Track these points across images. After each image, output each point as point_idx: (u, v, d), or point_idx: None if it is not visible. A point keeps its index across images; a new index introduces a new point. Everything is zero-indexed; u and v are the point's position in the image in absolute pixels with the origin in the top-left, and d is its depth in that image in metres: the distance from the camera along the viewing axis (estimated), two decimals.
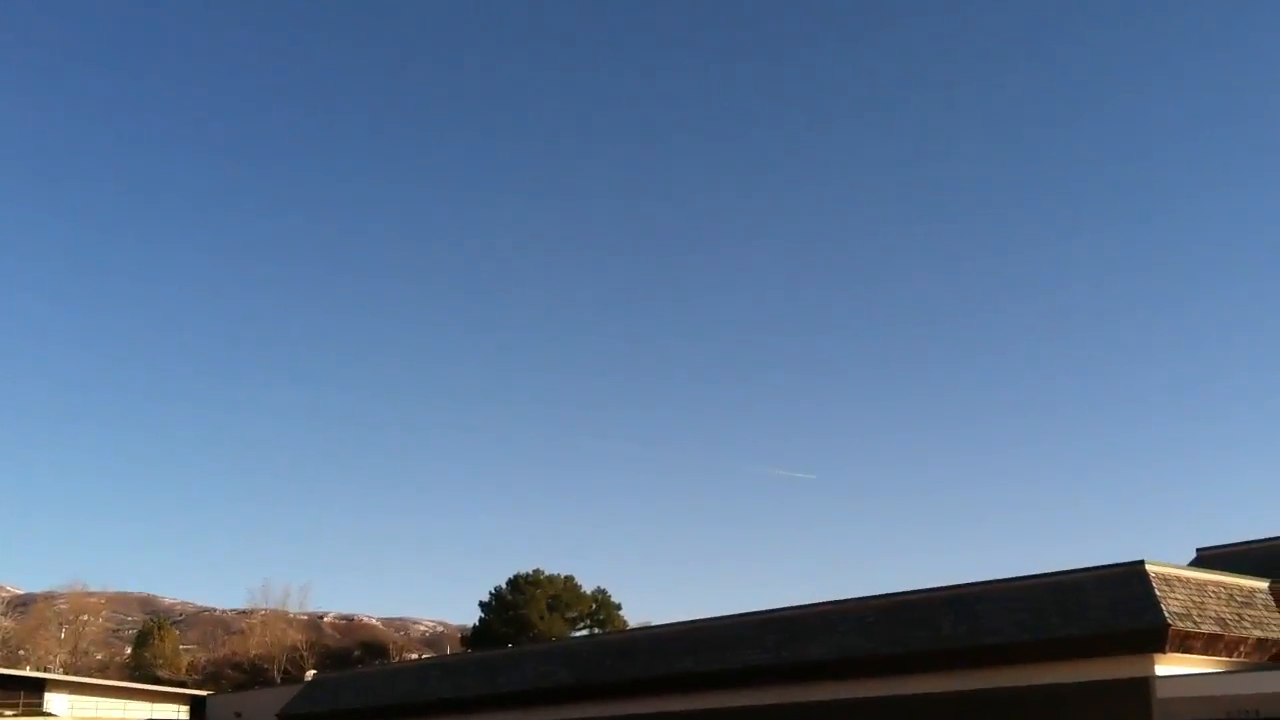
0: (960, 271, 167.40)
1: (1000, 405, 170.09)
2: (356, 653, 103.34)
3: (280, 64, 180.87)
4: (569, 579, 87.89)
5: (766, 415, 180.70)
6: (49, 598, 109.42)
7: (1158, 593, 25.37)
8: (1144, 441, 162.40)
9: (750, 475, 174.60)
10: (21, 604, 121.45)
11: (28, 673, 73.40)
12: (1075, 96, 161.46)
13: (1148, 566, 26.09)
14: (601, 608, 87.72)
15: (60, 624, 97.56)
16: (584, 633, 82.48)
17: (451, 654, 73.47)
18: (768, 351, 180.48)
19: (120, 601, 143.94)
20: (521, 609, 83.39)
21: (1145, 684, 25.12)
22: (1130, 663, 25.47)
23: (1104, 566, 27.16)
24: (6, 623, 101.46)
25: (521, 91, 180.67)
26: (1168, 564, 27.11)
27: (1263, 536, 35.44)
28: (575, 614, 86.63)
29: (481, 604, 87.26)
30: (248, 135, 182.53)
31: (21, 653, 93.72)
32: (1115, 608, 25.93)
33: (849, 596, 33.49)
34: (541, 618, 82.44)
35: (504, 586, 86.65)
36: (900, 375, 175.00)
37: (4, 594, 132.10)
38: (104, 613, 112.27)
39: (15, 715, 56.12)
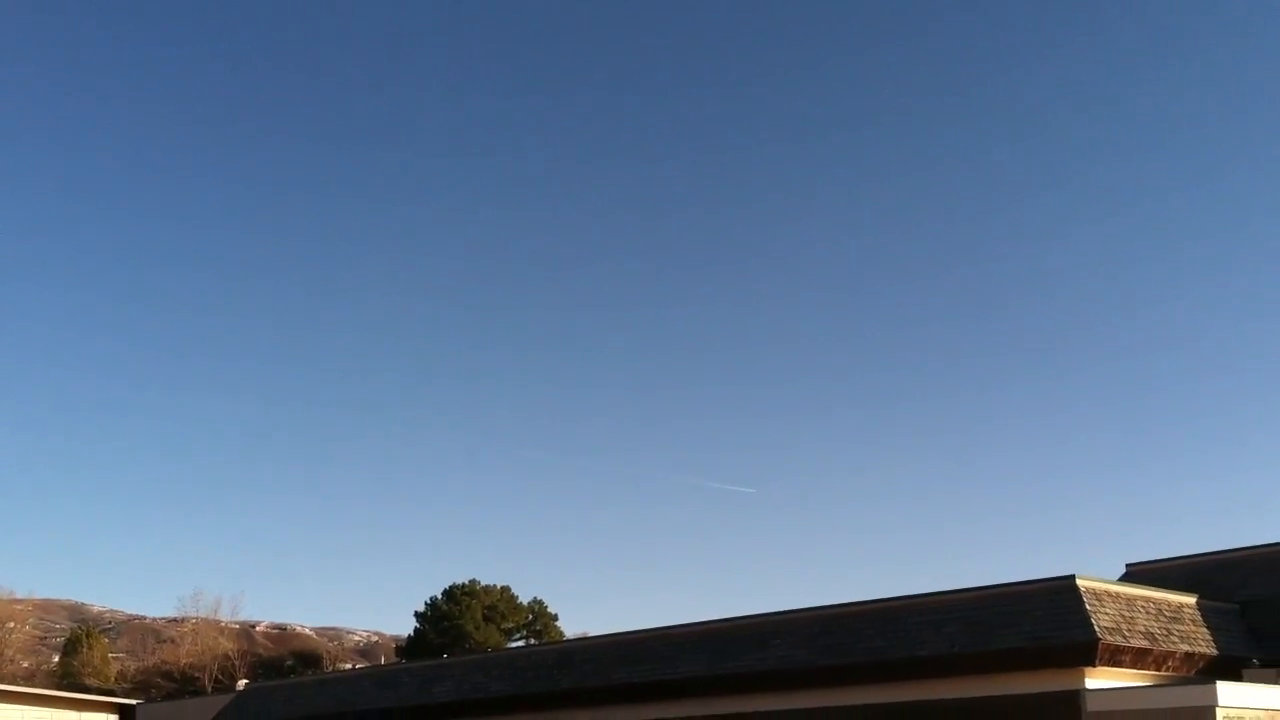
0: (910, 281, 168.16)
1: (933, 420, 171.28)
2: (289, 662, 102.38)
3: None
4: (505, 589, 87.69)
5: (706, 428, 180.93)
6: None
7: (1088, 607, 25.78)
8: (1075, 457, 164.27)
9: (689, 488, 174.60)
10: None
11: None
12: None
13: (1078, 581, 26.51)
14: (538, 618, 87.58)
15: None
16: (520, 643, 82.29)
17: (385, 664, 73.11)
18: (709, 362, 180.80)
19: (47, 608, 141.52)
20: (457, 619, 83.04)
21: (1076, 697, 25.51)
22: (1061, 676, 25.85)
23: (1035, 581, 27.56)
24: None
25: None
26: (1098, 579, 27.59)
27: (1191, 552, 36.12)
28: (511, 624, 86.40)
29: (416, 614, 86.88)
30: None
31: None
32: (1046, 621, 26.32)
33: (786, 609, 33.75)
34: (477, 628, 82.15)
35: (439, 596, 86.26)
36: (840, 389, 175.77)
37: None
38: (30, 620, 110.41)
39: None
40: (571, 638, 68.50)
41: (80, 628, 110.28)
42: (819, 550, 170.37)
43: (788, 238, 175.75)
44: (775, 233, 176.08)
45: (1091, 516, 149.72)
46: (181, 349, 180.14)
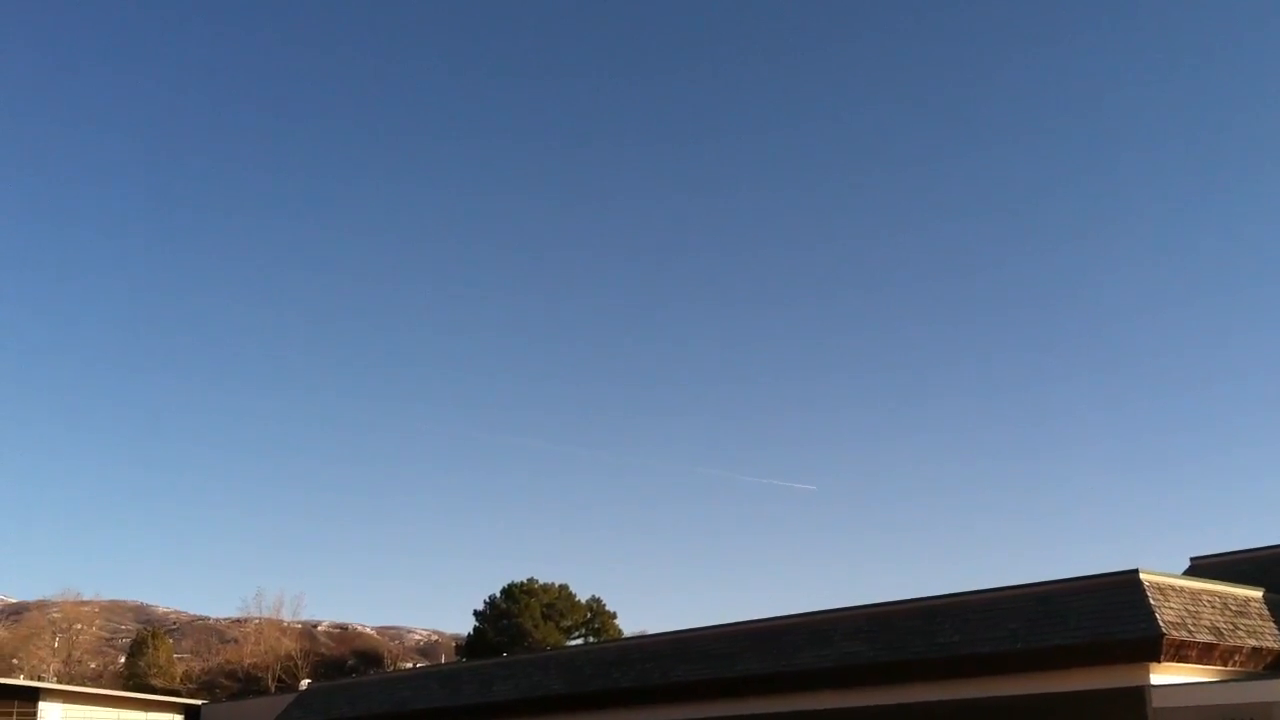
0: (961, 276, 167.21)
1: (994, 415, 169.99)
2: (351, 662, 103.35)
3: (274, 66, 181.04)
4: (563, 588, 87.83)
5: (768, 425, 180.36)
6: (42, 606, 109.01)
7: (1152, 602, 25.45)
8: (1137, 450, 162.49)
9: (749, 486, 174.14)
10: (15, 613, 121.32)
11: (21, 681, 73.25)
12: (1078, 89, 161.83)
13: (1142, 575, 26.17)
14: (596, 616, 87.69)
15: (54, 633, 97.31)
16: (578, 642, 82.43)
17: (446, 662, 73.47)
18: (769, 359, 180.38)
19: (114, 610, 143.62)
20: (516, 618, 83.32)
21: (1141, 693, 25.19)
22: (1125, 672, 25.54)
23: (1098, 575, 27.24)
24: (0, 631, 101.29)
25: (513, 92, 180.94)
26: (1162, 573, 27.20)
27: (1257, 545, 35.54)
28: (570, 623, 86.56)
29: (476, 613, 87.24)
30: (228, 132, 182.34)
31: (15, 661, 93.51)
32: (1109, 617, 26.01)
33: (845, 605, 33.57)
34: (536, 626, 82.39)
35: (498, 595, 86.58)
36: (899, 383, 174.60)
37: None
38: (98, 621, 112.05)
39: None
40: (630, 636, 68.53)
41: (146, 629, 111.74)
42: (879, 546, 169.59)
43: (849, 231, 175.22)
44: (834, 227, 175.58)
45: (1154, 510, 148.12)
46: (236, 351, 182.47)
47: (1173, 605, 25.88)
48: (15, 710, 62.54)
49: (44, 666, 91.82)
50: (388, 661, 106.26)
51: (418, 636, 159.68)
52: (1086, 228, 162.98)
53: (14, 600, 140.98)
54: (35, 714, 63.01)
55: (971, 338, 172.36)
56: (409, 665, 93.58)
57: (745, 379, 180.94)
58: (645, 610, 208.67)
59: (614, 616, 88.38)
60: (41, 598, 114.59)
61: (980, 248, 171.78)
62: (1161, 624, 24.76)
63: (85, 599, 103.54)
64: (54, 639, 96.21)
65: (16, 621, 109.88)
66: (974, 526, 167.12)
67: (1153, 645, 24.73)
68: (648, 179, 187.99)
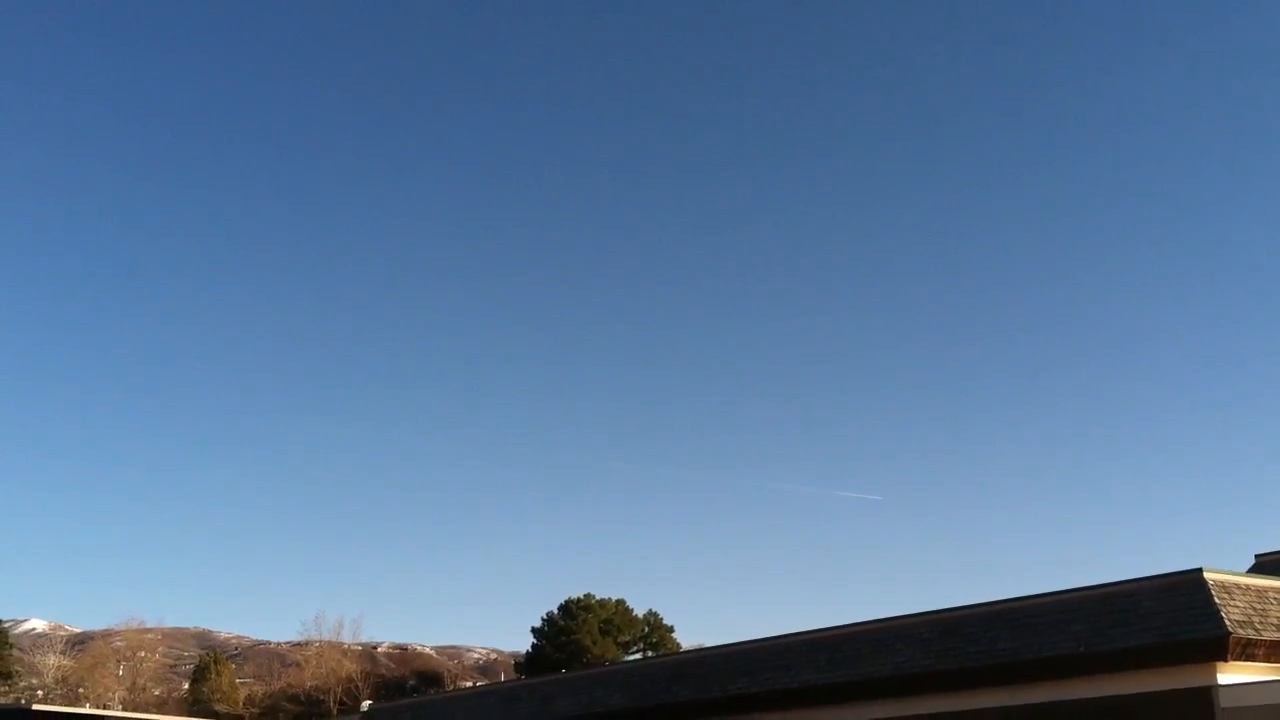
0: (1024, 286, 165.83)
1: (1054, 421, 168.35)
2: (411, 682, 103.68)
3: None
4: (620, 603, 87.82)
5: (831, 436, 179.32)
6: (106, 635, 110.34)
7: (1217, 601, 25.10)
8: (1197, 449, 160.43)
9: (812, 498, 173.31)
10: (80, 642, 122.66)
11: (88, 710, 74.18)
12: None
13: (1205, 574, 25.82)
14: (654, 630, 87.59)
15: (118, 661, 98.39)
16: (637, 656, 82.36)
17: (506, 680, 73.67)
18: (828, 370, 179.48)
19: (176, 637, 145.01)
20: (574, 634, 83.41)
21: (1208, 693, 24.84)
22: (1192, 672, 25.20)
23: (1161, 575, 26.90)
24: (66, 661, 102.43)
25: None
26: (1226, 571, 26.81)
27: None
28: (628, 638, 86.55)
29: (534, 630, 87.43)
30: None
31: (81, 690, 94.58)
32: (1174, 617, 25.68)
33: (905, 613, 33.32)
34: (594, 642, 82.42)
35: (555, 612, 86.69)
36: (964, 391, 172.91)
37: (62, 633, 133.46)
38: (161, 649, 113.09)
39: None
40: (689, 649, 68.35)
41: (208, 654, 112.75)
42: (946, 555, 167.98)
43: (909, 243, 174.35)
44: (894, 239, 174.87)
45: (1217, 508, 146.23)
46: (300, 378, 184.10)
47: (1238, 603, 25.52)
48: None
49: (110, 695, 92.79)
50: (447, 681, 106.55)
51: (477, 655, 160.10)
52: (1160, 231, 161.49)
53: (79, 630, 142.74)
54: None
55: (1031, 346, 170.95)
56: (469, 684, 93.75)
57: (806, 391, 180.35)
58: (704, 624, 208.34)
59: (671, 630, 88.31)
60: (106, 627, 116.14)
61: (1048, 255, 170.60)
62: (1227, 623, 24.41)
63: (148, 626, 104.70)
64: (119, 667, 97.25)
65: (82, 651, 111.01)
66: (1037, 532, 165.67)
67: (1219, 645, 24.39)
68: (712, 212, 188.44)
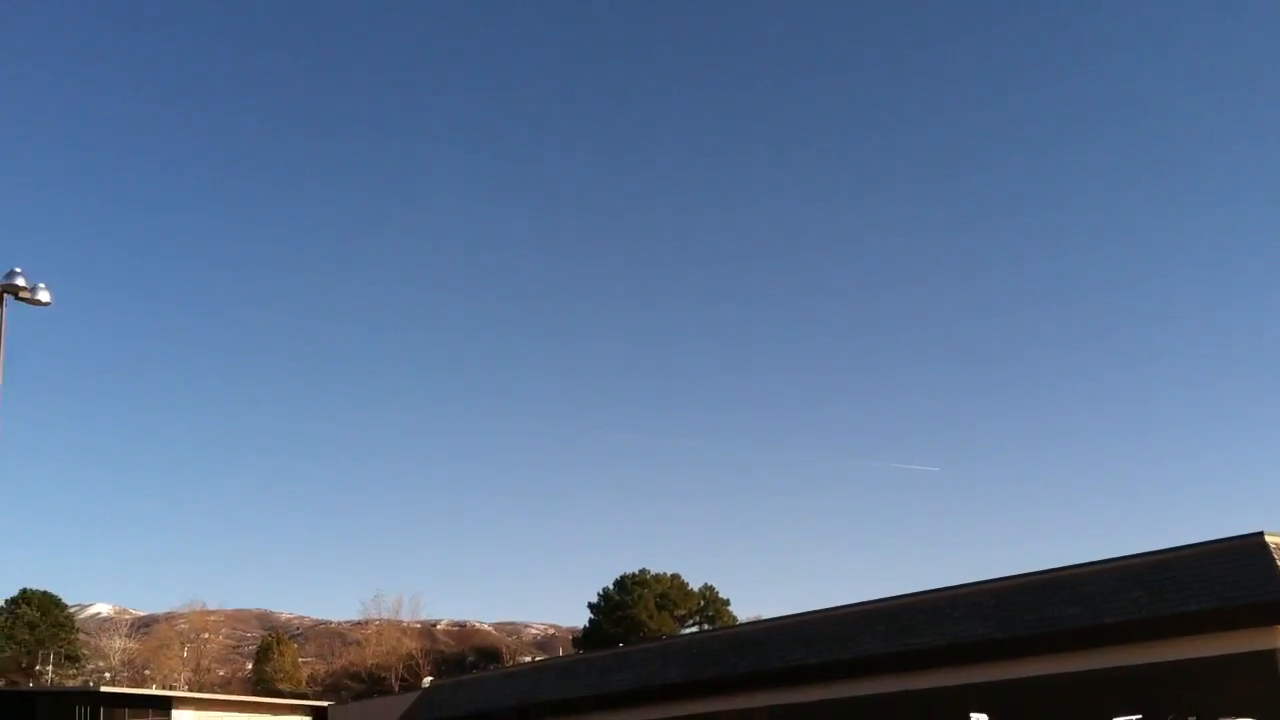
0: (1087, 251, 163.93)
1: (1110, 386, 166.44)
2: (470, 658, 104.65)
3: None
4: (675, 577, 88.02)
5: (887, 408, 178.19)
6: (170, 618, 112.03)
7: None
8: (1251, 412, 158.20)
9: (870, 471, 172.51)
10: (144, 625, 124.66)
11: (154, 691, 75.38)
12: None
13: (1267, 537, 25.55)
14: (710, 604, 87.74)
15: (182, 643, 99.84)
16: (693, 630, 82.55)
17: (564, 655, 74.07)
18: (885, 344, 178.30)
19: (239, 619, 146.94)
20: (630, 608, 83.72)
21: (1272, 656, 24.60)
22: (1254, 636, 24.95)
23: (1222, 540, 26.63)
24: (131, 644, 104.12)
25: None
26: None
27: None
28: (684, 611, 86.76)
29: (590, 605, 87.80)
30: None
31: (147, 672, 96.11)
32: (1236, 581, 25.42)
33: (962, 582, 33.17)
34: (650, 616, 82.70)
35: (611, 587, 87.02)
36: (1021, 360, 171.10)
37: (127, 616, 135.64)
38: (223, 630, 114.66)
39: None
40: (745, 622, 68.42)
41: (270, 635, 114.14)
42: (1003, 525, 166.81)
43: (970, 217, 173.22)
44: (957, 210, 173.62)
45: (1274, 471, 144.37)
46: (346, 358, 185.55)
47: None
48: (151, 719, 64.36)
49: (175, 676, 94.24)
50: (506, 656, 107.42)
51: (535, 631, 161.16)
52: (1221, 214, 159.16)
53: (143, 613, 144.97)
54: None
55: (1082, 317, 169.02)
56: (527, 659, 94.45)
57: (861, 365, 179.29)
58: (761, 597, 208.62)
59: (728, 604, 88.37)
60: (169, 610, 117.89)
61: (1101, 224, 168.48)
62: None
63: (211, 609, 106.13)
64: (183, 649, 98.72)
65: (146, 634, 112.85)
66: (1095, 500, 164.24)
67: None
68: (774, 185, 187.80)
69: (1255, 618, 24.79)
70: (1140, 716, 22.21)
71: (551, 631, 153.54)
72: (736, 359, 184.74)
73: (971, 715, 24.04)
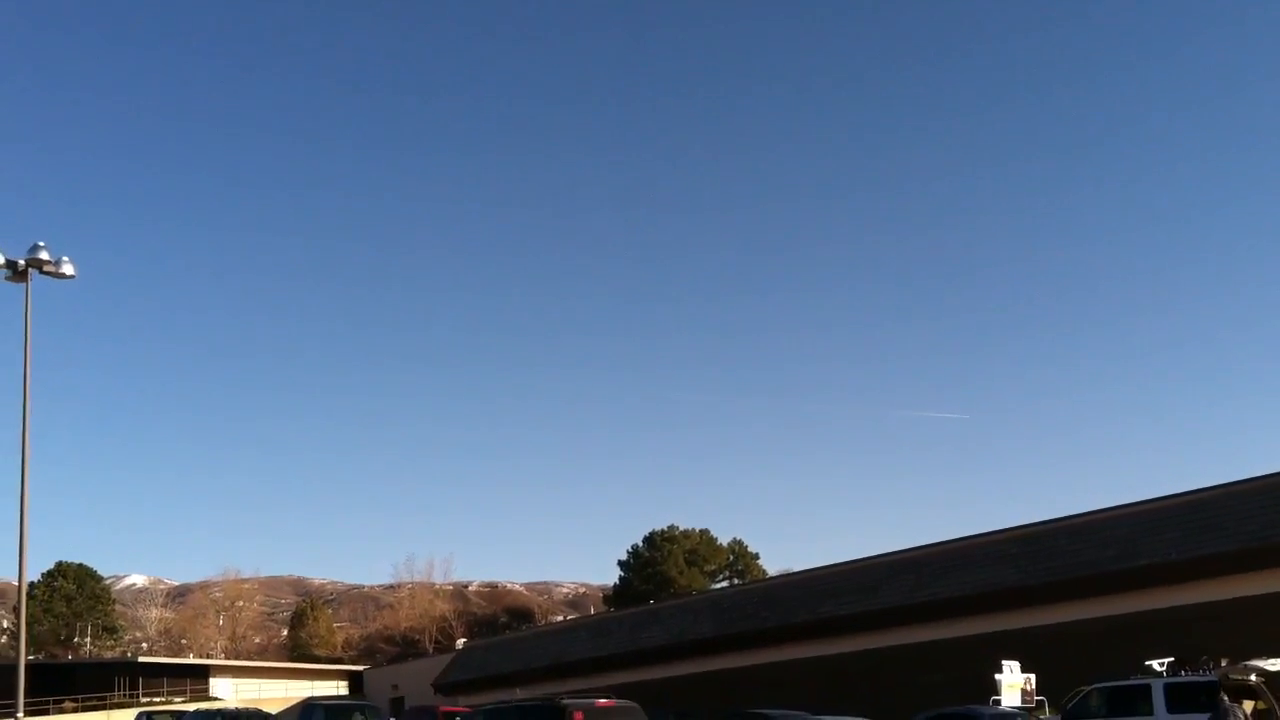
0: (1115, 196, 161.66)
1: (1135, 330, 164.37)
2: (503, 619, 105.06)
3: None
4: (704, 532, 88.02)
5: (914, 357, 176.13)
6: (205, 587, 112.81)
7: None
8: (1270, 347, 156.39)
9: (897, 420, 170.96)
10: (179, 595, 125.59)
11: (192, 660, 76.15)
12: None
13: None
14: (739, 559, 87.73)
15: (218, 611, 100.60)
16: (723, 584, 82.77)
17: (596, 614, 74.54)
18: (913, 293, 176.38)
19: (272, 586, 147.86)
20: (659, 565, 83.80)
21: None
22: None
23: (1247, 480, 26.53)
24: (167, 614, 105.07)
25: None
26: None
27: None
28: (713, 566, 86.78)
29: (620, 563, 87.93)
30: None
31: (184, 641, 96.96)
32: (1268, 520, 25.33)
33: (987, 530, 33.14)
34: (680, 573, 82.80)
35: (641, 544, 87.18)
36: (1046, 308, 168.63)
37: (163, 586, 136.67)
38: (258, 598, 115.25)
39: (185, 701, 58.28)
40: (774, 575, 68.58)
41: (304, 601, 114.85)
42: (1034, 472, 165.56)
43: (992, 157, 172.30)
44: (971, 153, 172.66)
45: None
46: (371, 321, 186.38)
47: None
48: (189, 687, 65.08)
49: (211, 644, 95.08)
50: (538, 616, 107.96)
51: (566, 590, 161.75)
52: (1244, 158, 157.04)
53: (178, 583, 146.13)
54: (207, 689, 65.50)
55: (1106, 263, 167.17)
56: (559, 618, 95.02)
57: (888, 314, 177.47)
58: (790, 551, 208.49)
59: (757, 558, 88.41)
60: (204, 579, 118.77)
61: (1126, 167, 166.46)
62: None
63: (245, 577, 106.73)
64: (218, 617, 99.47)
65: (182, 603, 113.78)
66: (1125, 445, 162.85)
67: None
68: (793, 128, 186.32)
69: None
70: (1173, 659, 22.13)
71: (582, 590, 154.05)
72: (761, 312, 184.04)
73: (1003, 662, 24.01)
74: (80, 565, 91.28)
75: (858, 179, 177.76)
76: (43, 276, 25.43)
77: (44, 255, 25.38)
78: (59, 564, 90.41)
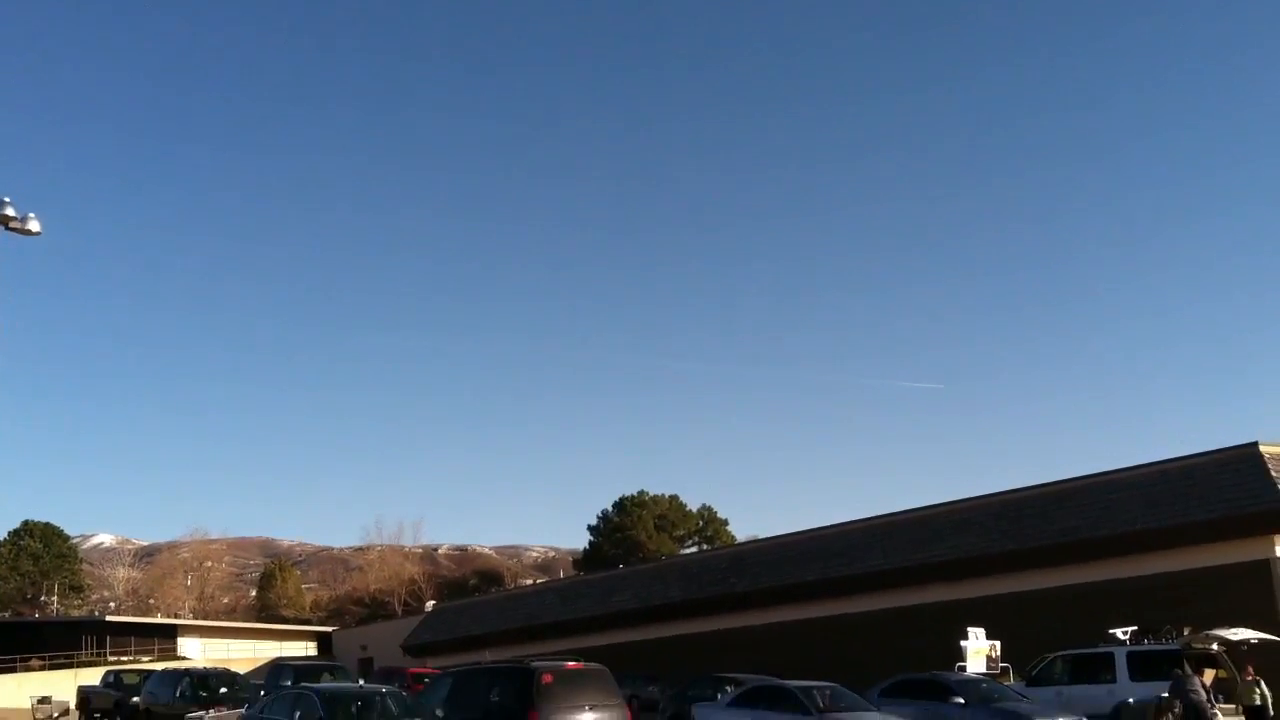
0: (1086, 167, 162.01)
1: (1106, 301, 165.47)
2: (472, 581, 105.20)
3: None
4: (674, 498, 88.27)
5: (889, 327, 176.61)
6: (173, 547, 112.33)
7: (1274, 473, 24.96)
8: (1246, 323, 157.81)
9: (872, 389, 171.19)
10: (147, 554, 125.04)
11: (160, 620, 75.95)
12: None
13: (1262, 447, 25.65)
14: (708, 524, 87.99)
15: (186, 572, 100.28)
16: (693, 550, 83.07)
17: (565, 577, 74.73)
18: (889, 262, 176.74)
19: (241, 546, 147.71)
20: (629, 530, 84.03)
21: (1266, 566, 24.81)
22: (1249, 545, 25.16)
23: (1216, 451, 26.74)
24: (135, 573, 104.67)
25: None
26: None
27: None
28: (683, 532, 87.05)
29: (590, 527, 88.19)
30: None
31: (151, 601, 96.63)
32: (1230, 491, 25.57)
33: (959, 498, 33.29)
34: (649, 537, 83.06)
35: (610, 509, 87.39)
36: (1020, 279, 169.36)
37: (130, 546, 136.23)
38: (226, 558, 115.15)
39: (153, 660, 58.17)
40: (743, 541, 68.85)
41: (273, 562, 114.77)
42: (1008, 442, 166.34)
43: (973, 127, 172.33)
44: (951, 125, 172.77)
45: (1268, 382, 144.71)
46: (345, 287, 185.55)
47: None
48: (156, 646, 64.96)
49: (179, 604, 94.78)
50: (508, 579, 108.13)
51: (535, 554, 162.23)
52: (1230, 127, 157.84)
53: (146, 543, 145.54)
54: (175, 649, 65.40)
55: (1082, 233, 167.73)
56: (529, 582, 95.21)
57: (863, 282, 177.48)
58: (762, 518, 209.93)
59: (726, 524, 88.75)
60: (172, 539, 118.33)
61: (1110, 134, 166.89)
62: None
63: (213, 537, 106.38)
64: (186, 578, 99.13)
65: (149, 563, 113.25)
66: (1095, 414, 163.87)
67: (1277, 517, 24.31)
68: (770, 96, 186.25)
69: (1251, 527, 25.01)
70: (1136, 628, 22.37)
71: (552, 554, 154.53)
72: (733, 279, 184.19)
73: (968, 629, 24.21)
74: (47, 524, 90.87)
75: (837, 150, 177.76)
76: (8, 233, 25.11)
77: (9, 211, 25.04)
78: (25, 522, 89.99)
